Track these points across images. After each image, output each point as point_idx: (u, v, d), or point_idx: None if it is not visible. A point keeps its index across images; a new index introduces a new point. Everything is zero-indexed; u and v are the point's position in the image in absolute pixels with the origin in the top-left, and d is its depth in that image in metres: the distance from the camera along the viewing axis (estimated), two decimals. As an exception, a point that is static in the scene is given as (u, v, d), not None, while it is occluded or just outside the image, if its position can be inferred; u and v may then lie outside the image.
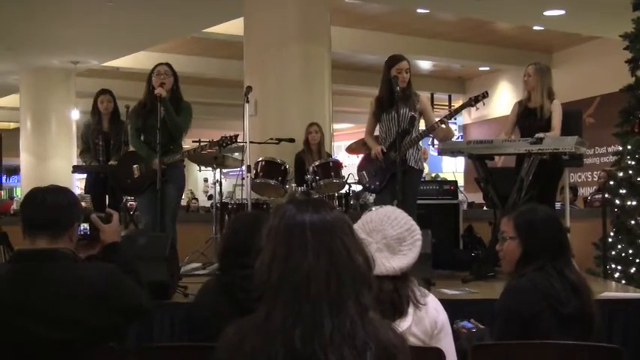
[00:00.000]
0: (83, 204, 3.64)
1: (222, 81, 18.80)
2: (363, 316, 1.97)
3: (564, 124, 6.95)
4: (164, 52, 14.95)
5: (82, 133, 8.53)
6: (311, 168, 8.11)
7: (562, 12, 12.20)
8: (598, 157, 15.54)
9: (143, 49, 15.15)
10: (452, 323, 3.06)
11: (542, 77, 7.05)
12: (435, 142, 13.42)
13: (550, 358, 3.12)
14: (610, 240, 8.06)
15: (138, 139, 6.99)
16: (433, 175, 17.11)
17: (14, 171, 24.38)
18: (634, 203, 7.94)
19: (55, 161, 16.28)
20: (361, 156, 7.46)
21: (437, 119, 6.90)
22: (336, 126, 13.34)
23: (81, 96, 16.82)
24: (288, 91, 9.43)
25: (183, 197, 8.16)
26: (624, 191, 8.08)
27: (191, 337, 3.64)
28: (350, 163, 9.49)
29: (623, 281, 7.66)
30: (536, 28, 14.85)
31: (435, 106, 20.06)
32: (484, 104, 6.95)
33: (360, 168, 7.20)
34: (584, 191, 15.30)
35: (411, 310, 2.83)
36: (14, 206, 18.33)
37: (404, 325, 2.77)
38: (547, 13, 12.27)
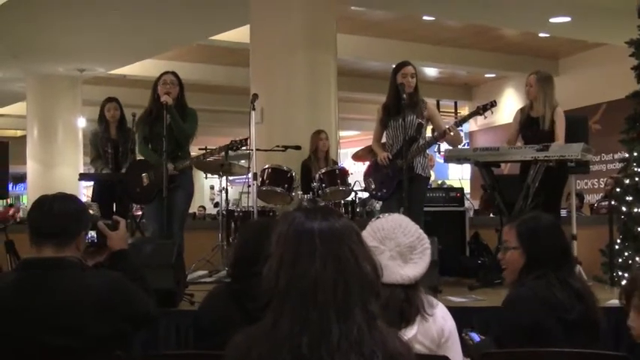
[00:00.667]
0: (90, 211, 3.63)
1: (229, 88, 18.82)
2: (370, 324, 1.97)
3: (570, 131, 6.93)
4: (170, 60, 14.99)
5: (90, 140, 8.56)
6: (317, 175, 8.11)
7: (568, 19, 12.20)
8: (604, 164, 15.51)
9: (149, 56, 15.18)
10: (459, 331, 3.05)
11: (544, 86, 7.03)
12: (442, 149, 13.43)
13: (556, 366, 3.11)
14: (617, 247, 8.04)
15: (146, 146, 7.02)
16: (439, 182, 17.10)
17: (21, 179, 24.42)
18: (641, 210, 7.92)
19: (62, 169, 16.29)
20: (367, 163, 7.47)
21: (446, 126, 6.90)
22: (341, 133, 13.32)
23: (87, 104, 16.84)
24: (295, 99, 9.43)
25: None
26: (631, 198, 8.06)
27: (197, 345, 3.63)
28: (356, 171, 9.50)
29: (630, 288, 7.63)
30: (542, 34, 14.86)
31: (440, 113, 20.06)
32: (492, 113, 6.96)
33: (366, 175, 7.20)
34: (591, 198, 15.27)
35: (417, 318, 2.82)
36: (20, 214, 18.37)
37: (410, 333, 2.76)
38: (553, 20, 12.27)
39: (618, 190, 8.19)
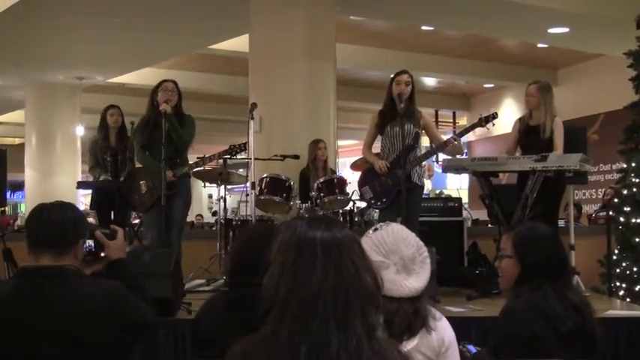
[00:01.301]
0: (89, 220, 3.63)
1: (227, 97, 18.83)
2: (369, 335, 1.97)
3: (569, 141, 6.94)
4: (169, 69, 15.00)
5: (89, 148, 8.57)
6: (315, 185, 8.11)
7: (566, 29, 12.22)
8: (602, 174, 15.51)
9: (148, 65, 15.18)
10: (457, 343, 3.04)
11: (545, 95, 7.05)
12: (440, 159, 13.44)
13: (555, 377, 3.11)
14: (615, 257, 8.05)
15: (144, 154, 7.02)
16: (437, 191, 17.09)
17: (19, 186, 24.41)
18: (638, 221, 7.93)
19: (60, 177, 16.27)
20: (363, 171, 7.45)
21: (444, 136, 6.91)
22: (340, 142, 13.34)
23: (86, 112, 16.84)
24: (293, 108, 9.44)
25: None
26: (629, 209, 8.08)
27: (195, 353, 3.62)
28: (354, 180, 9.46)
29: (628, 299, 7.65)
30: (540, 45, 14.88)
31: (439, 123, 20.09)
32: (494, 124, 6.98)
33: (361, 183, 7.18)
34: (589, 208, 15.27)
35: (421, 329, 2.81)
36: (19, 222, 18.36)
37: (411, 344, 2.75)
38: (551, 30, 12.29)
39: (616, 200, 8.21)
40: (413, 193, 6.69)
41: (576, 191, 13.67)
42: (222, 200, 8.54)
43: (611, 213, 8.21)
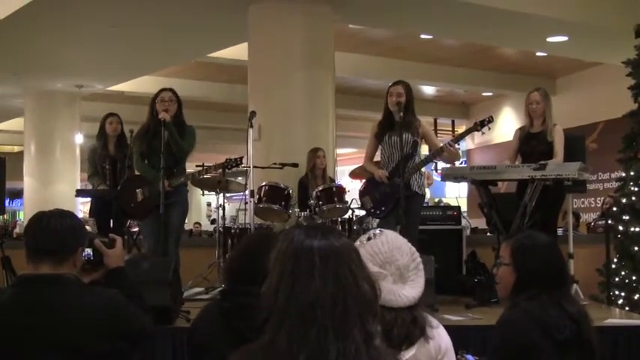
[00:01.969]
0: (87, 228, 3.63)
1: (226, 105, 18.83)
2: (368, 343, 1.97)
3: (567, 150, 6.96)
4: (168, 77, 15.00)
5: (88, 156, 8.57)
6: (314, 193, 8.12)
7: (565, 38, 12.24)
8: (601, 182, 15.51)
9: (148, 73, 15.19)
10: (455, 352, 3.03)
11: (549, 103, 7.10)
12: (439, 167, 13.45)
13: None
14: (614, 266, 8.05)
15: (142, 162, 7.02)
16: (436, 200, 17.10)
17: (17, 194, 24.41)
18: (637, 229, 7.94)
19: (59, 185, 16.24)
20: (364, 181, 7.46)
21: (441, 143, 6.92)
22: (339, 151, 13.36)
23: (85, 120, 16.84)
24: (292, 116, 9.45)
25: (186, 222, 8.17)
26: (627, 217, 8.08)
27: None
28: (353, 188, 9.48)
29: (627, 308, 7.64)
30: (539, 53, 14.90)
31: (438, 131, 20.09)
32: (489, 129, 6.97)
33: (362, 193, 7.19)
34: (587, 217, 15.27)
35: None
36: (17, 230, 18.35)
37: (409, 353, 2.74)
38: (550, 39, 12.31)
39: (615, 209, 8.22)
40: (412, 201, 6.69)
41: (575, 200, 13.66)
42: (221, 208, 8.54)
43: (610, 222, 8.21)
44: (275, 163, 8.68)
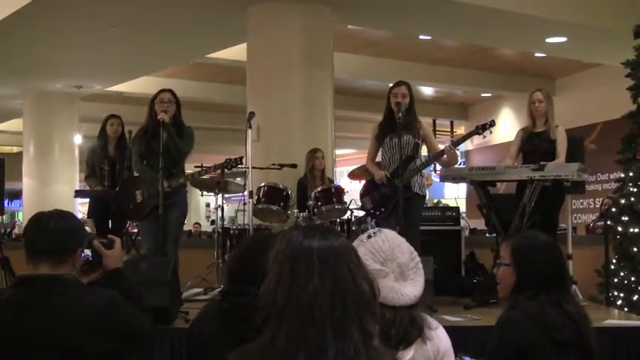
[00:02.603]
0: (86, 229, 3.63)
1: (225, 106, 18.81)
2: (366, 344, 1.97)
3: (567, 151, 6.96)
4: (167, 77, 14.99)
5: (87, 157, 8.58)
6: (313, 194, 8.12)
7: (564, 39, 12.24)
8: (600, 183, 15.51)
9: (146, 74, 15.18)
10: (455, 353, 3.02)
11: (551, 103, 7.12)
12: (438, 168, 13.45)
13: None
14: (612, 267, 8.05)
15: (141, 163, 7.01)
16: (435, 201, 17.09)
17: (16, 195, 24.39)
18: (636, 230, 7.93)
19: (58, 186, 16.23)
20: (363, 182, 7.46)
21: (441, 145, 6.92)
22: (338, 151, 13.37)
23: (84, 121, 16.84)
24: (291, 117, 9.45)
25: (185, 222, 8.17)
26: (626, 218, 8.08)
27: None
28: (352, 189, 9.49)
29: (626, 309, 7.64)
30: (538, 54, 14.90)
31: (437, 132, 20.08)
32: (491, 132, 6.98)
33: (363, 194, 7.19)
34: (586, 218, 15.27)
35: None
36: (16, 230, 18.34)
37: (407, 355, 2.73)
38: (549, 40, 12.30)
39: (614, 210, 8.22)
40: (412, 202, 6.69)
41: (574, 201, 13.66)
42: (219, 209, 8.54)
43: (608, 223, 8.20)
44: (274, 164, 8.68)
